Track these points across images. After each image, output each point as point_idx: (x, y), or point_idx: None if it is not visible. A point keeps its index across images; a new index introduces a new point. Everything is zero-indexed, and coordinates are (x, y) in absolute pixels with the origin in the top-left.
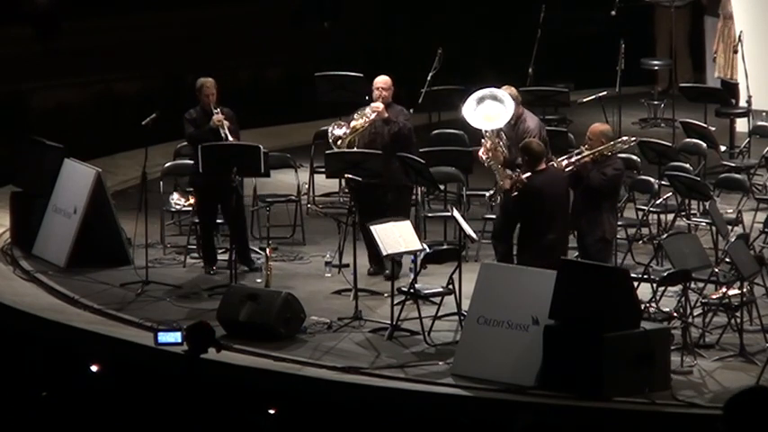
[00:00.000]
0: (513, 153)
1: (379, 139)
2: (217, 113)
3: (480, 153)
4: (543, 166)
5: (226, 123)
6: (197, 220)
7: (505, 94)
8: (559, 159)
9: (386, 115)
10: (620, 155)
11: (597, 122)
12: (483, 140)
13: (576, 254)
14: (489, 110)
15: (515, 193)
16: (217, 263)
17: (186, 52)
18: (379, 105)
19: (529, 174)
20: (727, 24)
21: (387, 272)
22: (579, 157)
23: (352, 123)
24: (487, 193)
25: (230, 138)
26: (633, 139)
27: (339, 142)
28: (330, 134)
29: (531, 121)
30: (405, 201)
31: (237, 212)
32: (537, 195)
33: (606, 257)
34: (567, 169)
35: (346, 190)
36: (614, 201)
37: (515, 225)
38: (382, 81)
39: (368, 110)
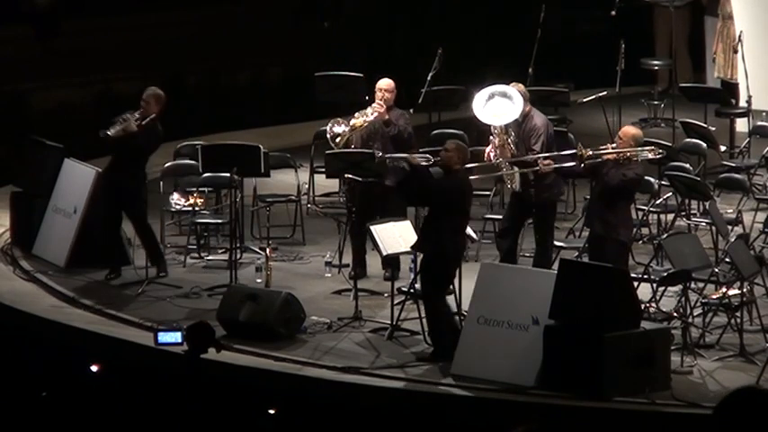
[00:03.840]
0: (521, 150)
1: (377, 139)
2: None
3: (488, 151)
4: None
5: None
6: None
7: (515, 90)
8: (588, 150)
9: (386, 117)
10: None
11: (630, 125)
12: (491, 138)
13: (576, 254)
14: (498, 106)
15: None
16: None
17: (186, 52)
18: (381, 105)
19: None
20: (727, 24)
21: (387, 273)
22: (604, 151)
23: (352, 121)
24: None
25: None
26: (660, 151)
27: (338, 139)
28: (329, 130)
29: (539, 118)
30: (401, 202)
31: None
32: (465, 192)
33: (623, 260)
34: (589, 161)
35: (345, 191)
36: (629, 204)
37: (521, 224)
38: (385, 83)
39: (369, 110)
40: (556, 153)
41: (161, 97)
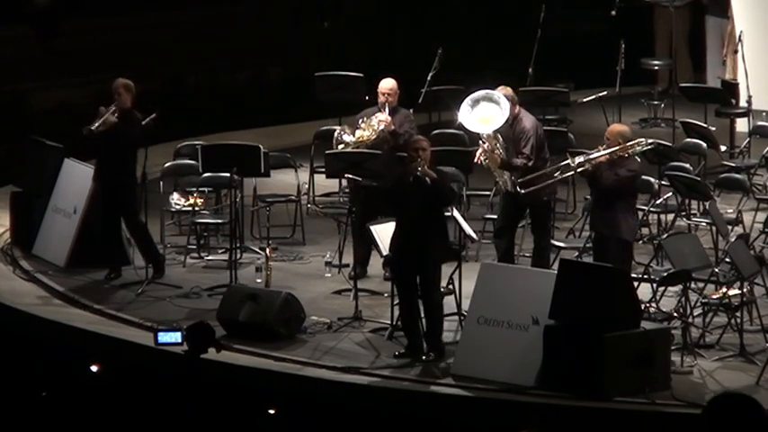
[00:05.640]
0: (511, 153)
1: (384, 148)
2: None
3: (478, 154)
4: None
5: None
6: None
7: (500, 95)
8: (576, 159)
9: (393, 128)
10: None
11: (616, 123)
12: (480, 142)
13: (576, 254)
14: (485, 112)
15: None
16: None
17: (186, 52)
18: (386, 117)
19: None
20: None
21: (387, 273)
22: (595, 156)
23: (358, 133)
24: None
25: None
26: (651, 141)
27: (341, 146)
28: (337, 137)
29: (528, 120)
30: None
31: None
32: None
33: (625, 259)
34: (581, 168)
35: (346, 190)
36: (630, 202)
37: (516, 224)
38: (388, 87)
39: (374, 121)
40: (550, 168)
41: (130, 86)
